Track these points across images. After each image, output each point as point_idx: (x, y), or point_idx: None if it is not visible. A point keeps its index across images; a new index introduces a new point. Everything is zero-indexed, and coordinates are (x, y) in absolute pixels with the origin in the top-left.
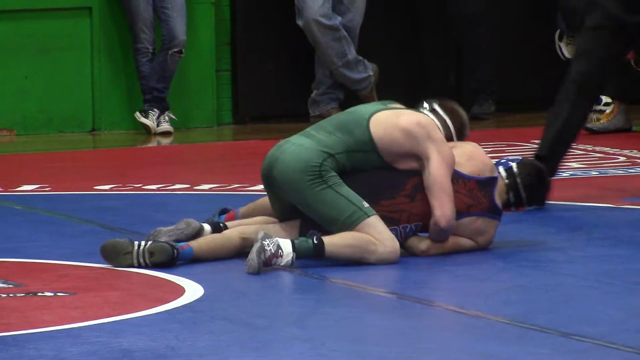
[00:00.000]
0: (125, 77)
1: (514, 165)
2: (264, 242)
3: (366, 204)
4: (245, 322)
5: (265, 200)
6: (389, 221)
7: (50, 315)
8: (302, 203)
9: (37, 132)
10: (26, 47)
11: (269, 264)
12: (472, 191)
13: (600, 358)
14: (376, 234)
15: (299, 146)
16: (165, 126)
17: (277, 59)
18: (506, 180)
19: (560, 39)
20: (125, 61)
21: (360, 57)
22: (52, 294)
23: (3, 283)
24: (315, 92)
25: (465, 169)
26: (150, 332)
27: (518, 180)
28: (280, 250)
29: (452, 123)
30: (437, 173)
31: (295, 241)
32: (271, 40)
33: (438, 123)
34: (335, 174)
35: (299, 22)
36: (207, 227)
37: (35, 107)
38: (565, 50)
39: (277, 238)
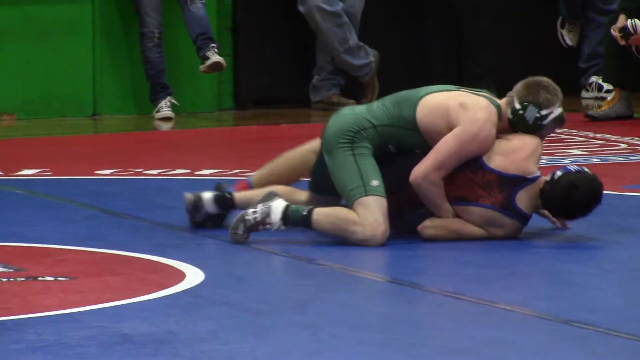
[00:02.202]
0: (126, 62)
1: (559, 173)
2: (247, 211)
3: (375, 182)
4: (245, 308)
5: (280, 168)
6: (416, 206)
7: (51, 299)
8: (329, 166)
9: (38, 117)
10: (27, 31)
11: (254, 230)
12: (489, 183)
13: (601, 345)
14: (362, 214)
15: (351, 110)
16: (167, 111)
17: (278, 44)
18: (541, 185)
19: (562, 27)
20: (127, 46)
21: (362, 43)
22: (52, 279)
23: (3, 267)
24: (316, 77)
25: (493, 162)
26: (151, 317)
27: (547, 187)
28: (267, 218)
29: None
30: (444, 138)
31: (290, 208)
32: (272, 26)
33: (506, 108)
34: (368, 145)
35: (301, 9)
36: (207, 195)
37: (36, 91)
38: (567, 37)
39: (271, 204)
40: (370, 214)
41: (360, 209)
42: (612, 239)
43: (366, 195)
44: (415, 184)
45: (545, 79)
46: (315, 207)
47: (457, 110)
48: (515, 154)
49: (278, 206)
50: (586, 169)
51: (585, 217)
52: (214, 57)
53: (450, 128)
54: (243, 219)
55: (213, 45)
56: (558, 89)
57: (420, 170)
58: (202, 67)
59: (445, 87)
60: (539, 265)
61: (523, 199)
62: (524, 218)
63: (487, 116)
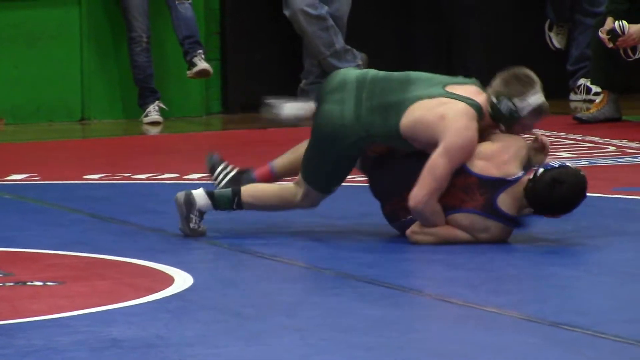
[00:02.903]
0: (114, 67)
1: (541, 170)
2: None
3: (335, 188)
4: (234, 312)
5: (302, 153)
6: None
7: (40, 304)
8: (310, 143)
9: (26, 122)
10: (15, 36)
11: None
12: (470, 186)
13: (590, 348)
14: (304, 201)
15: (340, 115)
16: (155, 116)
17: (266, 48)
18: (524, 185)
19: (550, 29)
20: (115, 50)
21: (349, 47)
22: (41, 284)
23: None
24: (304, 81)
25: (475, 166)
26: (140, 322)
27: (530, 185)
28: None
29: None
30: (434, 158)
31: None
32: (260, 30)
33: (486, 104)
34: (356, 152)
35: (286, 12)
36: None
37: (24, 96)
38: (555, 40)
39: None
40: (311, 205)
41: (306, 198)
42: (601, 242)
43: (321, 192)
44: (416, 211)
45: (520, 70)
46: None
47: (437, 124)
48: (497, 157)
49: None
50: (568, 164)
51: (571, 212)
52: (201, 64)
53: (434, 140)
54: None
55: (200, 50)
56: (533, 78)
57: (420, 197)
58: (189, 73)
59: (431, 82)
60: (527, 268)
61: (506, 200)
62: (509, 220)
63: (467, 122)
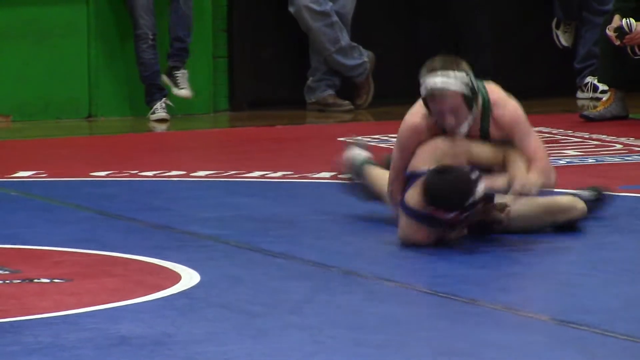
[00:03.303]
0: (122, 64)
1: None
2: None
3: None
4: (241, 309)
5: None
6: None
7: (47, 301)
8: None
9: (33, 119)
10: (24, 33)
11: None
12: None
13: (597, 346)
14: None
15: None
16: (162, 113)
17: (273, 45)
18: None
19: (557, 27)
20: (122, 48)
21: (355, 44)
22: (48, 281)
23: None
24: (311, 78)
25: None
26: (147, 319)
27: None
28: None
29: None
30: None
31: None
32: (268, 27)
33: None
34: None
35: (291, 9)
36: None
37: (32, 93)
38: (562, 37)
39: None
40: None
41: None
42: (608, 240)
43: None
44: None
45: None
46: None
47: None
48: (417, 153)
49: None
50: (468, 168)
51: (447, 207)
52: (183, 92)
53: None
54: None
55: (185, 59)
56: (435, 60)
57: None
58: (173, 90)
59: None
60: (534, 266)
61: (412, 195)
62: (415, 215)
63: (411, 112)
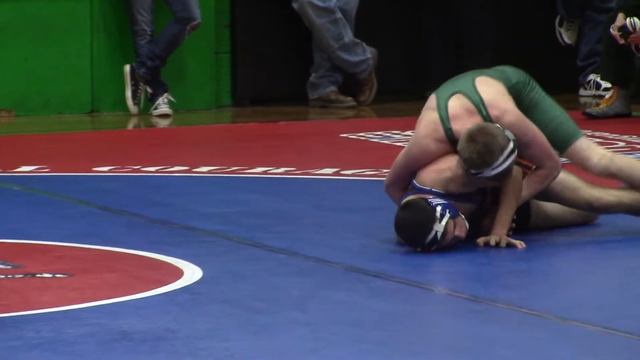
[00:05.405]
0: (124, 59)
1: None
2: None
3: None
4: (244, 305)
5: None
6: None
7: (49, 296)
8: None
9: (36, 114)
10: (25, 28)
11: None
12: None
13: (601, 343)
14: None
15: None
16: (164, 109)
17: (276, 41)
18: None
19: (560, 25)
20: (124, 43)
21: (358, 40)
22: (50, 276)
23: (1, 264)
24: (313, 75)
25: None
26: (149, 315)
27: None
28: None
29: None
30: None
31: None
32: (271, 23)
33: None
34: None
35: (294, 5)
36: None
37: (34, 88)
38: (565, 35)
39: None
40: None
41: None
42: (611, 238)
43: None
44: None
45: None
46: None
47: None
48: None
49: None
50: (441, 205)
51: (410, 244)
52: (163, 108)
53: None
54: None
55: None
56: (479, 153)
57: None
58: (153, 113)
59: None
60: (537, 263)
61: None
62: None
63: (423, 141)
